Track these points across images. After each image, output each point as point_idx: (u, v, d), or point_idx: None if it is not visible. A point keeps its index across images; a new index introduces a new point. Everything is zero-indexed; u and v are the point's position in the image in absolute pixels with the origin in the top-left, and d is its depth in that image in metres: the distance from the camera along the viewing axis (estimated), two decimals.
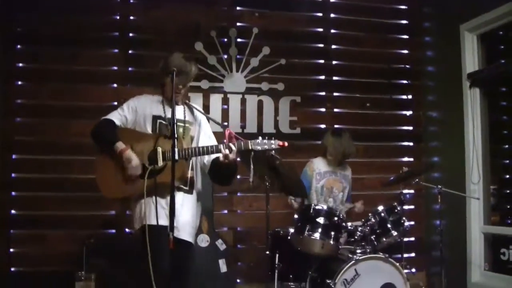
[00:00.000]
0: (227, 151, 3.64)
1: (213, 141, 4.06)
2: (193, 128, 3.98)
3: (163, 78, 3.89)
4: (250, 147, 3.71)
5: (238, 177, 5.76)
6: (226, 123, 6.04)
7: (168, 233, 3.50)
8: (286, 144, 3.76)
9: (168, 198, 3.62)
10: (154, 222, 3.68)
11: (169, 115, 3.87)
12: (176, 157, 3.36)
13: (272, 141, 3.72)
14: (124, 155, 3.69)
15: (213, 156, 3.88)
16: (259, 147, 3.70)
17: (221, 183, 4.46)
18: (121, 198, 3.95)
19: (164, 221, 3.67)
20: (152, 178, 3.66)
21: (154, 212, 3.69)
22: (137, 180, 3.72)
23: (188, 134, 3.87)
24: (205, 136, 4.05)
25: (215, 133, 4.15)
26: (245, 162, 4.44)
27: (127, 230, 5.70)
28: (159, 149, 3.72)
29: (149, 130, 3.87)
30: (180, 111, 3.96)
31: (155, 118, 3.90)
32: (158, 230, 3.63)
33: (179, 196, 3.76)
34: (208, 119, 4.17)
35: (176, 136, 3.48)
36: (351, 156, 5.44)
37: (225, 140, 3.70)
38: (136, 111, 3.92)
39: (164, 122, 3.89)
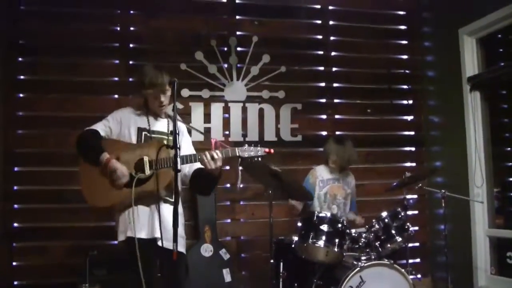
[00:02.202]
0: (215, 156, 3.66)
1: (192, 150, 4.09)
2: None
3: (142, 91, 3.92)
4: (237, 154, 3.75)
5: (241, 185, 5.77)
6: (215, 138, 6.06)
7: (161, 244, 3.64)
8: (272, 151, 3.83)
9: (153, 207, 3.74)
10: (141, 235, 3.71)
11: (153, 127, 3.96)
12: (162, 166, 3.41)
13: (259, 148, 3.79)
14: (109, 165, 3.68)
15: (194, 166, 3.91)
16: (246, 154, 3.76)
17: (203, 193, 4.49)
18: (107, 207, 3.89)
19: (150, 234, 3.74)
20: (139, 186, 3.67)
21: (139, 223, 3.73)
22: (123, 189, 3.72)
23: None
24: (187, 144, 4.08)
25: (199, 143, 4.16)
26: (248, 172, 4.47)
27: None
28: (146, 158, 3.73)
29: (134, 141, 3.89)
30: (163, 124, 4.02)
31: (140, 130, 3.92)
32: (146, 243, 3.69)
33: (167, 208, 3.78)
34: (192, 129, 4.19)
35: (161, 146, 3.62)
36: (354, 163, 5.46)
37: (212, 150, 3.73)
38: (121, 122, 3.93)
39: (148, 134, 3.92)
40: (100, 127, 3.89)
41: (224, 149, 3.73)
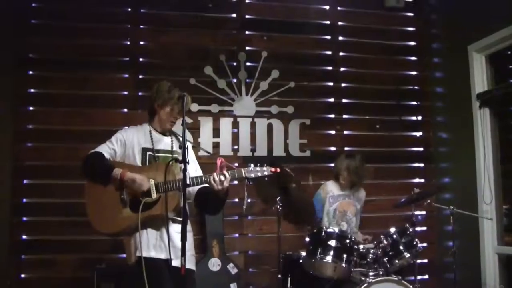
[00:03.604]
0: (222, 178, 3.67)
1: (197, 167, 4.10)
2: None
3: (155, 106, 3.95)
4: (244, 175, 3.75)
5: (249, 200, 5.77)
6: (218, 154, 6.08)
7: (170, 264, 3.64)
8: (278, 170, 3.84)
9: (163, 230, 3.72)
10: (152, 255, 3.71)
11: (157, 146, 3.95)
12: (169, 189, 3.42)
13: (265, 168, 3.79)
14: (126, 177, 3.69)
15: (198, 185, 3.88)
16: (252, 175, 3.76)
17: (209, 212, 4.47)
18: (115, 233, 3.88)
19: (161, 255, 3.73)
20: (146, 211, 3.67)
21: (149, 244, 3.73)
22: (130, 214, 3.72)
23: (177, 165, 3.80)
24: (193, 163, 4.05)
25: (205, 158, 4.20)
26: (257, 187, 4.45)
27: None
28: (152, 182, 3.72)
29: (138, 162, 3.88)
30: (167, 142, 4.01)
31: (144, 150, 3.92)
32: (157, 263, 3.68)
33: (175, 228, 3.76)
34: (199, 148, 4.20)
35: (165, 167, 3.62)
36: (363, 180, 5.44)
37: (217, 171, 3.72)
38: (125, 144, 3.93)
39: (152, 154, 3.91)
40: (105, 150, 3.89)
41: (230, 171, 3.73)
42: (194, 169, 4.01)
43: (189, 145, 4.11)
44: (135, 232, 3.73)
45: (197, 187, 3.92)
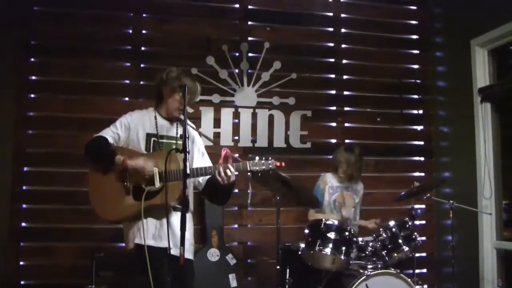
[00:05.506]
0: (228, 173, 3.66)
1: (205, 157, 4.09)
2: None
3: (166, 93, 3.92)
4: (248, 168, 3.73)
5: (250, 191, 5.76)
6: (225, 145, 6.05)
7: (168, 253, 3.59)
8: (283, 164, 3.82)
9: (163, 219, 3.68)
10: (151, 243, 3.68)
11: (161, 132, 3.91)
12: (171, 178, 3.50)
13: (270, 161, 3.76)
14: (129, 164, 3.65)
15: (209, 174, 3.86)
16: (257, 168, 3.74)
17: (217, 203, 4.45)
18: (117, 220, 3.89)
19: (160, 243, 3.70)
20: (148, 200, 3.65)
21: (149, 233, 3.70)
22: (132, 202, 3.70)
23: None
24: (199, 152, 4.06)
25: (207, 147, 4.20)
26: (259, 181, 4.44)
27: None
28: (156, 170, 3.70)
29: (142, 148, 3.85)
30: (172, 129, 3.98)
31: (148, 136, 3.89)
32: (156, 251, 3.65)
33: (177, 216, 3.71)
34: (201, 135, 4.19)
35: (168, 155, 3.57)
36: (361, 172, 5.43)
37: (221, 161, 3.73)
38: (129, 128, 3.89)
39: (157, 140, 3.89)
40: (108, 134, 3.86)
41: (235, 163, 3.72)
42: (201, 158, 4.02)
43: (196, 135, 4.10)
44: (135, 219, 3.72)
45: (206, 177, 3.93)
